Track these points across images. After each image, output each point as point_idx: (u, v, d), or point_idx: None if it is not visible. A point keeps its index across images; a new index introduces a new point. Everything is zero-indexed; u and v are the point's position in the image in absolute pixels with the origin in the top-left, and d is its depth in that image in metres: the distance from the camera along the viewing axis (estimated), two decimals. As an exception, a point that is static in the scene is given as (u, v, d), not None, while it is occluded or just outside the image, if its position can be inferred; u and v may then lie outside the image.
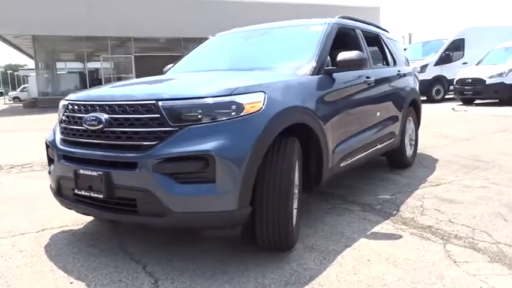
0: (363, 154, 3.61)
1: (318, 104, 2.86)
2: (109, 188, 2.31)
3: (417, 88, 5.18)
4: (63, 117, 2.68)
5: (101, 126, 2.35)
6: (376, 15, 26.06)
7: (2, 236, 2.99)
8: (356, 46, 3.79)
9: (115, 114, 2.36)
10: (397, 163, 4.76)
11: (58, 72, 27.20)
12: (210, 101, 2.27)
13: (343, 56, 3.11)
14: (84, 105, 2.52)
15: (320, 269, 2.37)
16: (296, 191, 2.75)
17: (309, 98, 2.79)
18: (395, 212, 3.34)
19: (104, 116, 2.36)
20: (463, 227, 2.95)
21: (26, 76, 40.81)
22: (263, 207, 2.36)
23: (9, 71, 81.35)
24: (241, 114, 2.29)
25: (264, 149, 2.32)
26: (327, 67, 3.12)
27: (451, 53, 14.67)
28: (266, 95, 2.42)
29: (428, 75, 14.23)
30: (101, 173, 2.32)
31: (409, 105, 4.76)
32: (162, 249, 2.67)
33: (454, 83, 13.19)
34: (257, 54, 3.63)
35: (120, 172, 2.29)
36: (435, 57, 14.55)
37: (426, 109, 12.14)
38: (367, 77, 3.68)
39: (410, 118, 4.91)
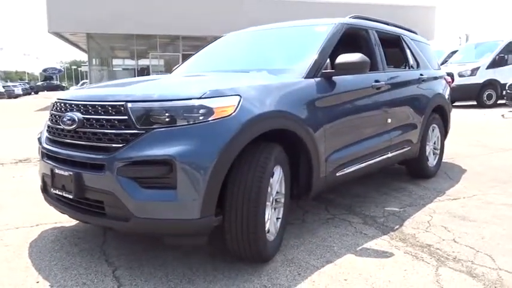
0: (368, 163, 3.38)
1: (307, 109, 2.69)
2: (79, 189, 2.29)
3: (446, 93, 4.81)
4: (49, 116, 2.71)
5: (74, 126, 2.34)
6: (431, 15, 24.89)
7: (-3, 229, 3.08)
8: (367, 48, 3.57)
9: (87, 115, 2.34)
10: (417, 173, 4.45)
11: (114, 69, 28.40)
12: (177, 104, 2.19)
13: (342, 58, 2.91)
14: (65, 104, 2.53)
15: (290, 286, 2.22)
16: (282, 200, 2.62)
17: (295, 103, 2.63)
18: (397, 226, 3.10)
19: (78, 116, 2.34)
20: (466, 248, 2.68)
21: (87, 72, 43.04)
22: (231, 217, 2.25)
23: (73, 67, 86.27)
24: (210, 118, 2.18)
25: (233, 156, 2.20)
26: (325, 70, 2.94)
27: (505, 56, 13.63)
28: (241, 99, 2.30)
29: (479, 78, 13.33)
30: (71, 173, 2.30)
31: (433, 112, 4.42)
32: (140, 253, 2.63)
33: (506, 88, 12.25)
34: (258, 55, 3.51)
35: (89, 173, 2.26)
36: (488, 59, 13.57)
37: (473, 115, 11.51)
38: (376, 81, 3.44)
39: (435, 125, 4.57)
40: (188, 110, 2.18)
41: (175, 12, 20.56)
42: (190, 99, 2.21)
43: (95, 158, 2.24)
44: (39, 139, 2.77)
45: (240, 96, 2.31)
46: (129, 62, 28.10)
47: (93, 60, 24.31)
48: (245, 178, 2.25)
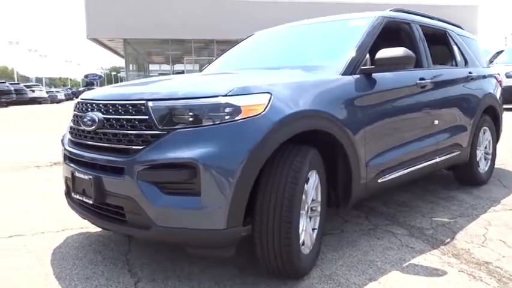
0: (413, 169, 3.08)
1: (345, 108, 2.44)
2: (99, 194, 2.14)
3: (497, 93, 4.41)
4: (72, 117, 2.59)
5: (95, 126, 2.19)
6: (474, 14, 23.84)
7: (22, 233, 2.99)
8: (410, 43, 3.27)
9: (108, 115, 2.19)
10: (467, 179, 4.07)
11: (151, 74, 28.90)
12: (201, 102, 2.00)
13: (384, 53, 2.64)
14: (86, 104, 2.39)
15: (327, 307, 1.98)
16: (318, 208, 2.38)
17: (332, 102, 2.39)
18: (448, 240, 2.78)
19: (98, 116, 2.19)
20: (531, 268, 2.34)
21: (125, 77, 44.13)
22: (262, 227, 2.03)
23: (113, 73, 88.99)
24: (237, 118, 1.98)
25: (263, 159, 1.98)
26: (364, 66, 2.68)
27: (554, 56, 12.74)
28: (272, 97, 2.08)
29: (525, 80, 12.51)
30: (91, 177, 2.16)
31: (484, 113, 4.04)
32: (164, 263, 2.45)
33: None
34: (290, 52, 3.28)
35: (109, 177, 2.11)
36: (534, 60, 12.74)
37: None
38: (421, 79, 3.14)
39: (486, 128, 4.18)
40: (213, 108, 1.98)
41: (209, 17, 20.67)
42: (216, 96, 2.01)
43: (115, 161, 2.08)
44: (62, 141, 2.65)
45: (271, 94, 2.09)
46: (165, 67, 28.52)
47: (130, 65, 24.79)
48: (277, 184, 2.03)
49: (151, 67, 30.72)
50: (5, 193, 4.15)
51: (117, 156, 2.09)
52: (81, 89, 62.29)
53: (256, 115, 2.00)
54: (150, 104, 2.04)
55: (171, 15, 20.50)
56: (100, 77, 66.38)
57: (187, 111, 1.99)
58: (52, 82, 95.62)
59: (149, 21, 20.25)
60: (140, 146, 2.02)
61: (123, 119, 2.10)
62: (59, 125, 12.31)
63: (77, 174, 2.28)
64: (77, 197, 2.31)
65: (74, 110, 2.56)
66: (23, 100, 26.95)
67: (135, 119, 2.06)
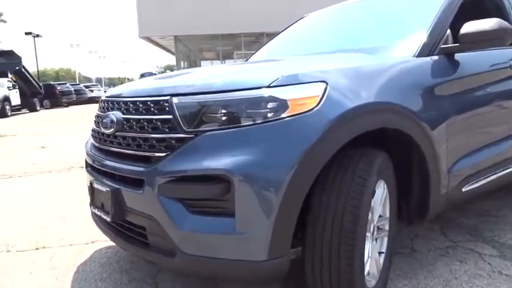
0: (504, 173, 2.47)
1: (422, 99, 1.91)
2: (117, 210, 1.78)
3: None
4: (94, 117, 2.25)
5: (113, 129, 1.82)
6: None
7: (50, 245, 2.73)
8: (500, 14, 2.64)
9: (128, 114, 1.81)
10: None
11: (202, 71, 29.05)
12: (237, 95, 1.56)
13: (471, 27, 2.07)
14: (108, 102, 2.04)
15: None
16: (385, 226, 1.89)
17: (405, 91, 1.86)
18: (555, 264, 2.18)
19: (117, 116, 1.82)
20: None
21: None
22: (315, 253, 1.58)
23: (168, 71, 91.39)
24: (283, 115, 1.52)
25: (317, 168, 1.52)
26: (445, 45, 2.12)
27: None
28: (328, 87, 1.60)
29: None
30: (109, 189, 1.80)
31: None
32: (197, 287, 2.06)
33: None
34: (348, 34, 2.75)
35: (129, 191, 1.73)
36: None
37: None
38: (515, 59, 2.51)
39: None
40: (252, 103, 1.54)
41: (259, 9, 20.25)
42: (256, 88, 1.56)
43: (134, 171, 1.70)
44: (85, 146, 2.33)
45: (326, 83, 1.61)
46: (217, 63, 28.54)
47: (182, 62, 24.96)
48: (335, 200, 1.57)
49: (203, 63, 30.86)
50: (46, 196, 3.97)
51: (137, 165, 1.70)
52: (137, 87, 64.30)
53: (308, 111, 1.53)
54: (174, 100, 1.64)
55: (220, 9, 20.31)
56: (155, 75, 68.42)
57: (219, 108, 1.56)
58: (111, 82, 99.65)
59: (199, 17, 20.18)
60: (162, 153, 1.62)
61: (143, 119, 1.72)
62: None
63: (95, 185, 1.94)
64: (96, 211, 1.97)
65: (98, 110, 2.22)
66: (83, 100, 28.02)
67: (156, 120, 1.67)
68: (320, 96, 1.57)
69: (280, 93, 1.55)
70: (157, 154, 1.64)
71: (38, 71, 32.45)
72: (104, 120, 1.87)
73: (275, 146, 1.49)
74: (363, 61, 1.97)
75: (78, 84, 33.12)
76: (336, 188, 1.59)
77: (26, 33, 32.91)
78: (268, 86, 1.56)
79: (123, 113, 1.83)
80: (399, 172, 1.95)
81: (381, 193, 1.80)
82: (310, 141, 1.49)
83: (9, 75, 20.34)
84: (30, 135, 9.66)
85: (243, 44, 23.41)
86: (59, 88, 25.12)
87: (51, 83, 27.29)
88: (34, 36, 32.93)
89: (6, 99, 18.28)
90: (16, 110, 19.61)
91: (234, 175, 1.46)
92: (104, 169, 1.91)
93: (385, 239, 1.91)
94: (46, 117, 16.66)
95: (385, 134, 1.82)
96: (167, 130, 1.63)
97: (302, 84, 1.60)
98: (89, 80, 76.58)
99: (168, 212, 1.57)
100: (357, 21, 2.81)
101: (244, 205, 1.46)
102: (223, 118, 1.56)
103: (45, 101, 23.43)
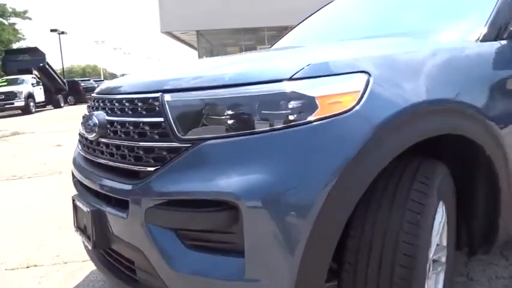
0: None
1: (495, 96, 1.46)
2: (100, 236, 1.41)
3: None
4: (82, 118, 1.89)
5: (95, 134, 1.45)
6: None
7: (42, 263, 2.40)
8: None
9: (112, 116, 1.44)
10: None
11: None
12: (248, 91, 1.16)
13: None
14: (95, 101, 1.66)
15: None
16: (442, 258, 1.48)
17: (473, 85, 1.42)
18: None
19: (100, 118, 1.45)
20: None
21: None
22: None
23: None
24: (311, 118, 1.12)
25: (361, 188, 1.12)
26: (516, 27, 1.66)
27: None
28: (371, 80, 1.18)
29: None
30: (89, 210, 1.43)
31: None
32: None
33: None
34: (392, 14, 2.26)
35: (113, 213, 1.36)
36: None
37: None
38: None
39: None
40: (269, 102, 1.14)
41: (283, 2, 19.72)
42: (273, 81, 1.16)
43: (117, 189, 1.33)
44: (75, 151, 1.97)
45: (368, 75, 1.19)
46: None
47: (204, 58, 24.69)
48: (381, 234, 1.15)
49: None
50: (51, 201, 3.67)
51: (122, 181, 1.33)
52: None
53: (345, 112, 1.12)
54: (166, 97, 1.25)
55: (243, 2, 19.88)
56: (178, 70, 68.57)
57: (225, 109, 1.17)
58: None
59: (221, 11, 19.80)
60: (151, 166, 1.24)
61: (129, 122, 1.34)
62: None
63: (77, 202, 1.57)
64: (78, 234, 1.61)
65: (86, 109, 1.86)
66: (106, 95, 28.04)
67: (144, 123, 1.29)
68: (361, 92, 1.16)
69: (306, 87, 1.14)
70: (144, 168, 1.26)
71: (63, 68, 32.87)
72: (86, 123, 1.50)
73: (300, 161, 1.09)
74: (413, 47, 1.53)
75: (102, 80, 33.33)
76: (383, 216, 1.18)
77: (52, 30, 33.32)
78: (291, 79, 1.15)
79: (108, 114, 1.46)
80: (458, 190, 1.52)
81: (440, 217, 1.38)
82: (349, 154, 1.09)
83: (34, 72, 20.48)
84: (49, 132, 9.51)
85: (267, 38, 22.92)
86: (82, 84, 25.25)
87: (75, 79, 27.50)
88: (59, 34, 33.30)
89: (31, 96, 18.37)
90: (41, 106, 19.73)
91: (244, 200, 1.06)
92: (86, 183, 1.54)
93: (442, 275, 1.49)
94: (69, 113, 16.65)
95: (444, 142, 1.39)
96: (157, 137, 1.24)
97: (336, 76, 1.19)
98: (114, 76, 77.59)
99: (158, 245, 1.19)
100: (402, 2, 2.35)
101: (257, 240, 1.07)
102: (231, 122, 1.16)
103: (69, 97, 23.56)
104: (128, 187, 1.27)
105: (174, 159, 1.19)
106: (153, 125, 1.26)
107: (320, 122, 1.11)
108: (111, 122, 1.42)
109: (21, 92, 17.55)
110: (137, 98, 1.34)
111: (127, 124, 1.34)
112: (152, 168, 1.23)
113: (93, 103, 1.66)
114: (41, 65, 20.79)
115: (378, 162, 1.13)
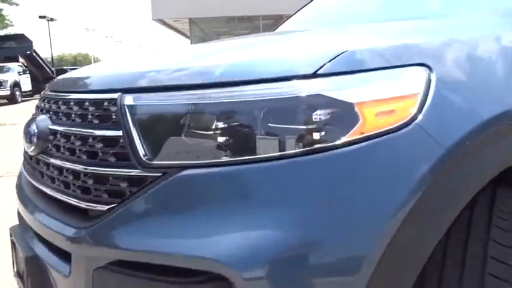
0: None
1: None
2: (37, 291, 1.00)
3: None
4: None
5: (33, 147, 1.04)
6: None
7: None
8: None
9: (57, 124, 1.02)
10: None
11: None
12: (248, 93, 0.75)
13: None
14: (44, 101, 1.23)
15: None
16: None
17: None
18: None
19: (41, 126, 1.03)
20: None
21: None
22: None
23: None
24: (349, 136, 0.71)
25: (431, 243, 0.73)
26: None
27: None
28: (432, 76, 0.77)
29: None
30: (25, 255, 1.02)
31: None
32: None
33: None
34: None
35: (54, 266, 0.94)
36: None
37: None
38: None
39: None
40: (282, 109, 0.74)
41: (278, -10, 19.18)
42: (288, 78, 0.75)
43: (58, 234, 0.91)
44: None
45: (429, 69, 0.78)
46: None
47: (190, 44, 24.13)
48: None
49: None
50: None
51: (64, 222, 0.92)
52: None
53: (402, 127, 0.72)
54: (127, 100, 0.83)
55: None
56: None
57: (213, 119, 0.76)
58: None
59: (215, -1, 19.26)
60: (103, 204, 0.83)
61: (75, 135, 0.92)
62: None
63: (14, 238, 1.16)
64: (17, 283, 1.19)
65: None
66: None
67: (95, 137, 0.87)
68: (421, 95, 0.76)
69: (340, 88, 0.73)
70: (94, 206, 0.85)
71: (52, 56, 32.03)
72: (26, 131, 1.08)
73: (333, 207, 0.69)
74: (479, 31, 1.11)
75: (93, 69, 32.56)
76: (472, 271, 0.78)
77: (40, 17, 32.36)
78: (315, 75, 0.74)
79: (52, 121, 1.04)
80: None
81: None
82: (412, 195, 0.68)
83: (20, 60, 19.80)
84: (33, 124, 9.02)
85: (262, 27, 22.37)
86: (72, 73, 24.63)
87: (64, 67, 26.79)
88: (48, 20, 32.36)
89: (17, 84, 17.73)
90: (28, 95, 19.09)
91: (240, 270, 0.66)
92: (24, 215, 1.13)
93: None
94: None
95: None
96: (113, 160, 0.83)
97: (384, 71, 0.77)
98: (106, 65, 76.53)
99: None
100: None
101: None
102: (223, 140, 0.75)
103: (58, 86, 22.93)
104: (70, 232, 0.86)
105: (136, 195, 0.78)
106: (107, 141, 0.84)
107: (364, 143, 0.70)
108: (54, 133, 1.00)
109: (7, 80, 16.92)
110: (88, 100, 0.92)
111: (72, 138, 0.93)
112: (105, 207, 0.82)
113: (41, 104, 1.23)
114: (28, 52, 20.10)
115: (457, 201, 0.74)
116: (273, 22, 22.36)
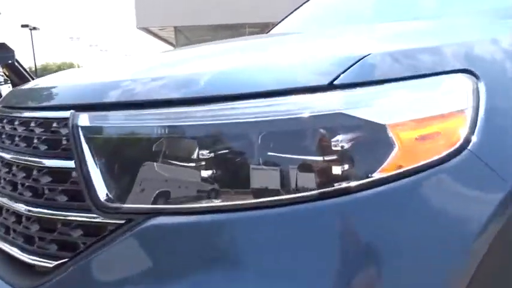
0: None
1: None
2: None
3: None
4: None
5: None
6: None
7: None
8: None
9: (5, 152, 0.80)
10: None
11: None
12: (242, 111, 0.55)
13: None
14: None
15: None
16: None
17: None
18: None
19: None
20: None
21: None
22: None
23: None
24: (380, 173, 0.52)
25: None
26: None
27: None
28: (481, 86, 0.59)
29: None
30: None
31: None
32: None
33: None
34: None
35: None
36: None
37: None
38: None
39: None
40: (287, 134, 0.54)
41: (265, -2, 19.13)
42: (295, 91, 0.55)
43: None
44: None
45: (475, 77, 0.60)
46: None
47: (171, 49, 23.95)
48: None
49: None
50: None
51: (7, 279, 0.70)
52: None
53: (452, 156, 0.53)
54: (82, 119, 0.62)
55: (223, -1, 19.24)
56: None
57: (194, 146, 0.56)
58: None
59: (200, 6, 19.12)
60: (51, 258, 0.62)
61: (17, 164, 0.72)
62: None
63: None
64: None
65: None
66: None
67: (40, 169, 0.66)
68: (472, 112, 0.57)
69: (366, 104, 0.54)
70: (39, 260, 0.64)
71: (35, 65, 31.47)
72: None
73: (369, 269, 0.49)
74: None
75: (77, 78, 32.12)
76: None
77: (23, 26, 31.86)
78: (330, 86, 0.55)
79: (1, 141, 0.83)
80: None
81: None
82: (478, 246, 0.50)
83: (1, 69, 19.39)
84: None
85: (248, 35, 22.35)
86: (55, 82, 24.27)
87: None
88: (31, 29, 31.86)
89: (-2, 94, 17.35)
90: (9, 106, 18.69)
91: None
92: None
93: None
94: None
95: None
96: (63, 200, 0.63)
97: (418, 81, 0.59)
98: (91, 74, 75.91)
99: None
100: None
101: None
102: (207, 175, 0.55)
103: (41, 96, 22.54)
104: (15, 291, 0.66)
105: (92, 249, 0.58)
106: (55, 174, 0.64)
107: (404, 181, 0.51)
108: (4, 164, 0.79)
109: (-13, 90, 16.52)
110: (34, 119, 0.71)
111: (14, 168, 0.72)
112: (52, 263, 0.62)
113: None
114: (10, 62, 19.66)
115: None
116: (259, 30, 22.32)
